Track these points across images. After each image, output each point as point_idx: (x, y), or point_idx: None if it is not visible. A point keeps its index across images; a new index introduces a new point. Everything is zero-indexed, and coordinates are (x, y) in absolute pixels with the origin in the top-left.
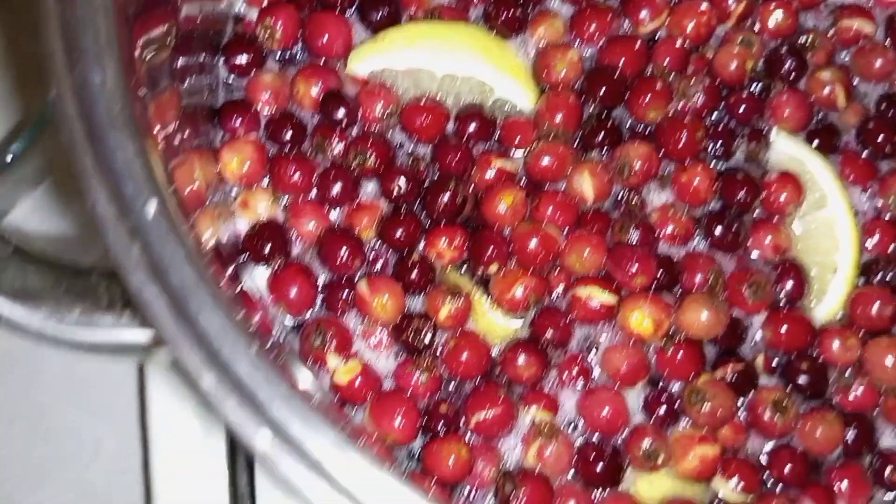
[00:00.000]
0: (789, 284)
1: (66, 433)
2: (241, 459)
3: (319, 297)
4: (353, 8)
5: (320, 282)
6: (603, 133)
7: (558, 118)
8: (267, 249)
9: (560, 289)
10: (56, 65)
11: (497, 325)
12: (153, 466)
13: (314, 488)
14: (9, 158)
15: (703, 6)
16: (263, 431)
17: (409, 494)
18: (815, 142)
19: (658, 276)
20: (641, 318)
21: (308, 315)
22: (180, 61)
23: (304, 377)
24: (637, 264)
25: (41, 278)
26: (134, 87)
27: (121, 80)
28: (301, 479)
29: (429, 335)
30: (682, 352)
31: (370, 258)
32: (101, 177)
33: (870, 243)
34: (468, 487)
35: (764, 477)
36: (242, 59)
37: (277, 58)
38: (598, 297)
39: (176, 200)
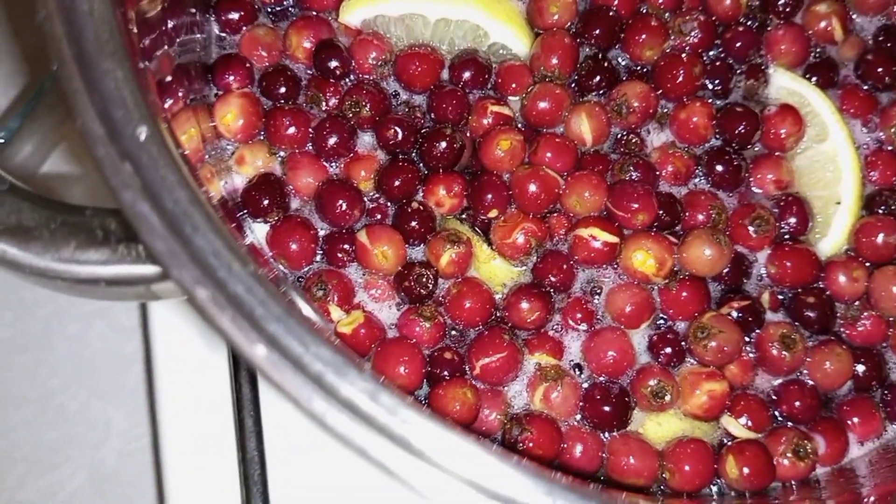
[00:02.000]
0: (793, 219)
1: (75, 415)
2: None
3: (320, 251)
4: None
5: (320, 235)
6: (599, 74)
7: (554, 61)
8: (265, 203)
9: (562, 232)
10: None
11: (499, 270)
12: (162, 445)
13: (316, 402)
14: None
15: None
16: (260, 347)
17: (408, 407)
18: (814, 77)
19: (660, 214)
20: (644, 257)
21: (308, 270)
22: (171, 19)
23: (304, 307)
24: (638, 202)
25: (36, 214)
26: (124, 18)
27: (109, 9)
28: (302, 393)
29: (431, 282)
30: (686, 290)
31: (369, 209)
32: (90, 99)
33: (873, 175)
34: None
35: (774, 413)
36: (234, 15)
37: (269, 11)
38: (599, 236)
39: (168, 126)
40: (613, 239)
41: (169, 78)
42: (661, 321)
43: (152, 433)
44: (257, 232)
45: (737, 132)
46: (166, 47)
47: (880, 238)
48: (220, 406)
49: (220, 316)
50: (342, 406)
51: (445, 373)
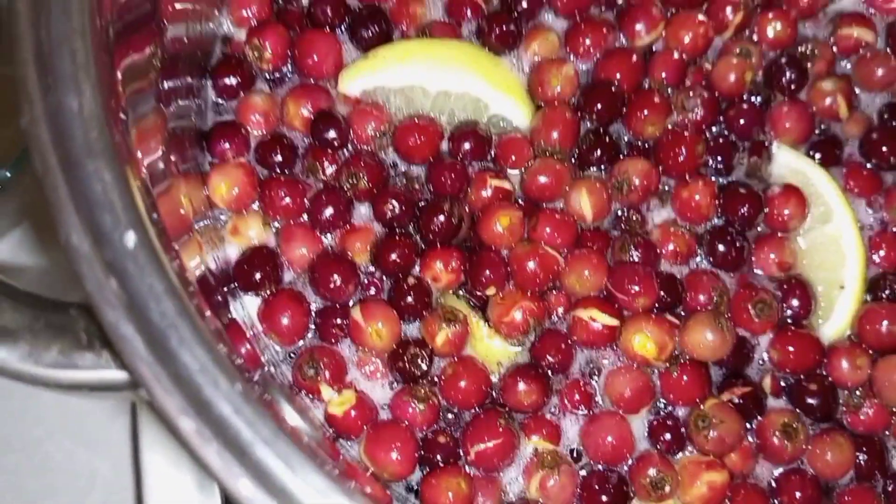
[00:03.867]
0: (795, 302)
1: (60, 465)
2: None
3: (312, 326)
4: (344, 26)
5: (313, 308)
6: (600, 149)
7: (555, 135)
8: (258, 277)
9: (560, 311)
10: (29, 89)
11: (496, 350)
12: (146, 496)
13: None
14: None
15: (700, 17)
16: (244, 480)
17: None
18: (818, 154)
19: (661, 296)
20: (644, 341)
21: (300, 344)
22: (167, 83)
23: (292, 415)
24: (639, 284)
25: (18, 315)
26: (114, 111)
27: (99, 105)
28: None
29: (426, 363)
30: (687, 374)
31: (364, 283)
32: (76, 207)
33: (876, 257)
34: None
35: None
36: (231, 81)
37: (267, 78)
38: (599, 319)
39: (158, 230)
40: (613, 322)
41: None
42: (661, 404)
43: (135, 484)
44: (248, 305)
45: (740, 214)
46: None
47: (884, 326)
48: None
49: (204, 449)
50: None
51: (439, 457)
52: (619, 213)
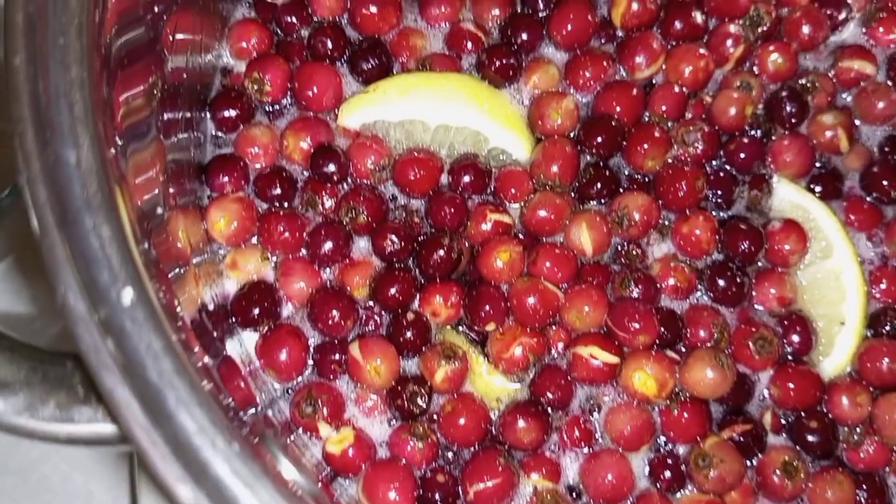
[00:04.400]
0: (796, 338)
1: (57, 487)
2: None
3: (310, 361)
4: (344, 58)
5: (311, 344)
6: (600, 183)
7: (554, 168)
8: (256, 313)
9: (560, 346)
10: (26, 145)
11: (495, 386)
12: None
13: None
14: None
15: (701, 50)
16: None
17: None
18: (818, 187)
19: (661, 332)
20: (645, 378)
21: (298, 380)
22: (166, 115)
23: (288, 467)
24: (639, 322)
25: (15, 367)
26: (113, 161)
27: (97, 157)
28: None
29: (424, 400)
30: (687, 412)
31: (363, 318)
32: (73, 266)
33: (877, 292)
34: None
35: None
36: (230, 113)
37: (266, 111)
38: (599, 356)
39: (156, 284)
40: (613, 359)
41: (160, 183)
42: (662, 441)
43: None
44: (246, 341)
45: (740, 250)
46: (159, 149)
47: (885, 363)
48: None
49: None
50: None
51: (438, 497)
52: (619, 247)
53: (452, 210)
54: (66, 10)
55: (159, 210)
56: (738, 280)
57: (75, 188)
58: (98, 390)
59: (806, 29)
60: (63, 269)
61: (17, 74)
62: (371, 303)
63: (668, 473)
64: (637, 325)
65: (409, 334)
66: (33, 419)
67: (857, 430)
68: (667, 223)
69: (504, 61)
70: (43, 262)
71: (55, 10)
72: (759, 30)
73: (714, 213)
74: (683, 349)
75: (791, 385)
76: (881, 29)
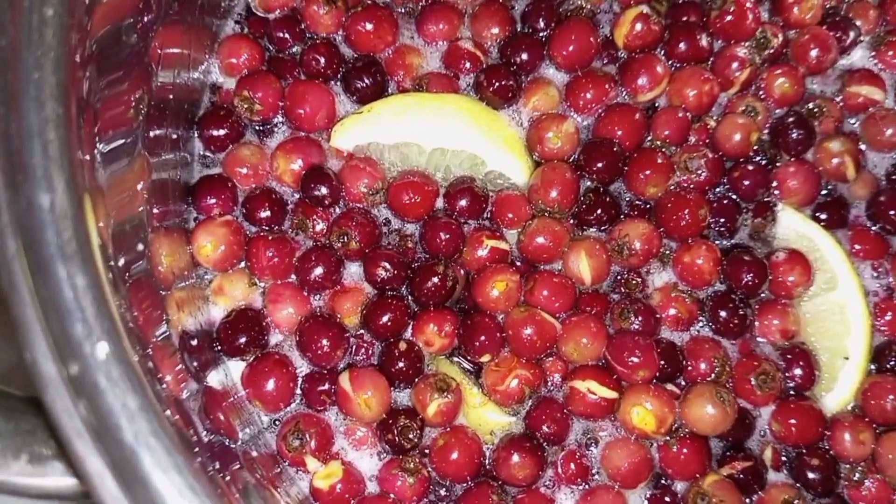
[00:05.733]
0: (798, 372)
1: None
2: None
3: (298, 391)
4: (338, 77)
5: (299, 373)
6: (601, 209)
7: (554, 194)
8: (242, 342)
9: (557, 377)
10: None
11: (489, 419)
12: None
13: None
14: None
15: (706, 74)
16: None
17: None
18: (823, 215)
19: (661, 365)
20: (644, 414)
21: (286, 411)
22: (152, 133)
23: None
24: (639, 357)
25: None
26: (92, 201)
27: (72, 200)
28: None
29: (416, 435)
30: (686, 448)
31: (353, 346)
32: (44, 322)
33: (882, 325)
34: None
35: None
36: (219, 132)
37: (256, 129)
38: (598, 391)
39: (133, 337)
40: (612, 395)
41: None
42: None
43: None
44: (232, 370)
45: (744, 282)
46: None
47: (889, 400)
48: None
49: None
50: None
51: None
52: (619, 275)
53: (448, 236)
54: (41, 43)
55: (140, 247)
56: (741, 312)
57: (48, 235)
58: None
59: (814, 52)
60: (33, 328)
61: None
62: (362, 331)
63: None
64: (637, 360)
65: (401, 365)
66: (4, 473)
67: (860, 467)
68: (668, 251)
69: (503, 82)
70: (11, 319)
71: (29, 44)
72: (766, 52)
73: (716, 241)
74: (683, 382)
75: (793, 421)
76: (890, 53)
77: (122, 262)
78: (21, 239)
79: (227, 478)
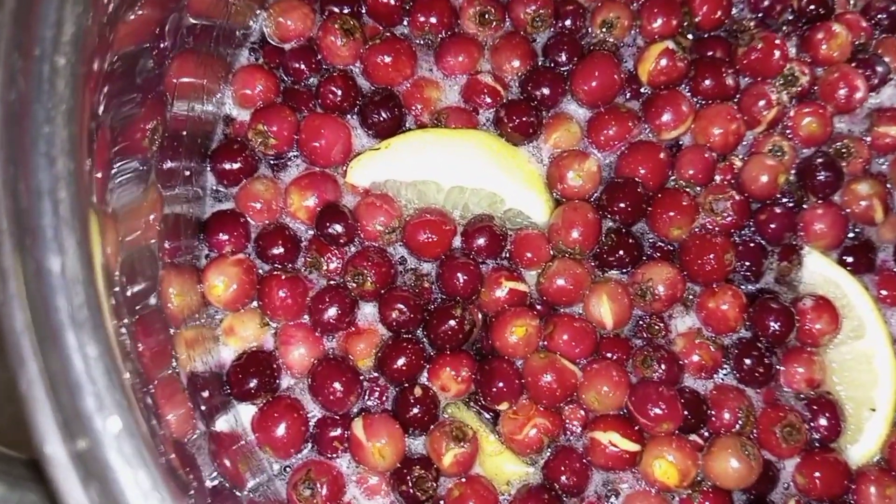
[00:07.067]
0: (824, 423)
1: None
2: None
3: (309, 437)
4: (354, 111)
5: (311, 417)
6: (623, 250)
7: (575, 235)
8: (252, 386)
9: (576, 425)
10: (3, 259)
11: (506, 469)
12: None
13: None
14: None
15: (732, 112)
16: None
17: None
18: (850, 258)
19: (685, 416)
20: (667, 467)
21: (297, 457)
22: (165, 165)
23: None
24: (663, 409)
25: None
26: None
27: (84, 263)
28: None
29: (431, 487)
30: (709, 502)
31: (367, 390)
32: (53, 399)
33: None
34: None
35: None
36: (232, 166)
37: (270, 163)
38: (620, 444)
39: (147, 412)
40: (634, 447)
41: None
42: None
43: None
44: (242, 414)
45: (770, 331)
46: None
47: None
48: None
49: None
50: None
51: None
52: (640, 319)
53: (466, 277)
54: (52, 94)
55: (150, 283)
56: (766, 361)
57: (59, 302)
58: None
59: (843, 92)
60: (41, 409)
61: None
62: (376, 374)
63: None
64: (661, 412)
65: (416, 411)
66: None
67: None
68: (691, 296)
69: (524, 118)
70: (18, 395)
71: (40, 96)
72: (794, 90)
73: (741, 286)
74: (706, 433)
75: (818, 474)
76: None
77: (129, 293)
78: (30, 308)
79: None
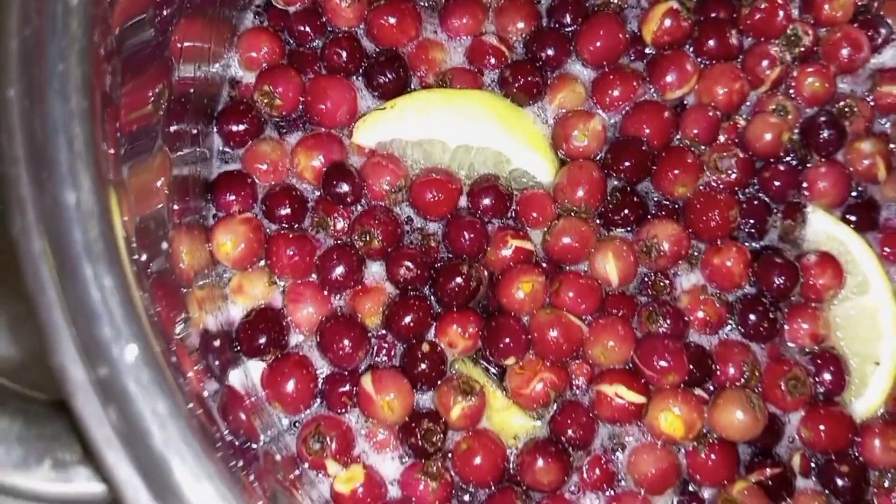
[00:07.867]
0: (828, 377)
1: None
2: None
3: (318, 393)
4: (360, 72)
5: (320, 374)
6: (628, 209)
7: (580, 193)
8: (262, 342)
9: (582, 381)
10: (20, 190)
11: (513, 423)
12: None
13: None
14: None
15: (736, 71)
16: None
17: None
18: (854, 217)
19: (690, 370)
20: (672, 420)
21: (306, 413)
22: (172, 127)
23: None
24: (668, 361)
25: (7, 421)
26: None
27: (99, 198)
28: None
29: (440, 439)
30: (715, 454)
31: (374, 347)
32: (71, 325)
33: None
34: None
35: None
36: (238, 128)
37: (277, 124)
38: (625, 396)
39: (161, 340)
40: (640, 399)
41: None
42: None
43: None
44: (252, 370)
45: (775, 285)
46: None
47: None
48: None
49: None
50: None
51: None
52: (646, 277)
53: (472, 235)
54: (66, 33)
55: (162, 244)
56: (771, 316)
57: (75, 234)
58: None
59: (845, 52)
60: (61, 331)
61: (11, 109)
62: (384, 331)
63: None
64: (666, 364)
65: (423, 367)
66: (26, 479)
67: (889, 474)
68: (696, 253)
69: (528, 78)
70: (37, 321)
71: (54, 34)
72: (797, 50)
73: (745, 243)
74: (711, 387)
75: (822, 427)
76: None
77: (144, 258)
78: (47, 238)
79: (255, 483)
